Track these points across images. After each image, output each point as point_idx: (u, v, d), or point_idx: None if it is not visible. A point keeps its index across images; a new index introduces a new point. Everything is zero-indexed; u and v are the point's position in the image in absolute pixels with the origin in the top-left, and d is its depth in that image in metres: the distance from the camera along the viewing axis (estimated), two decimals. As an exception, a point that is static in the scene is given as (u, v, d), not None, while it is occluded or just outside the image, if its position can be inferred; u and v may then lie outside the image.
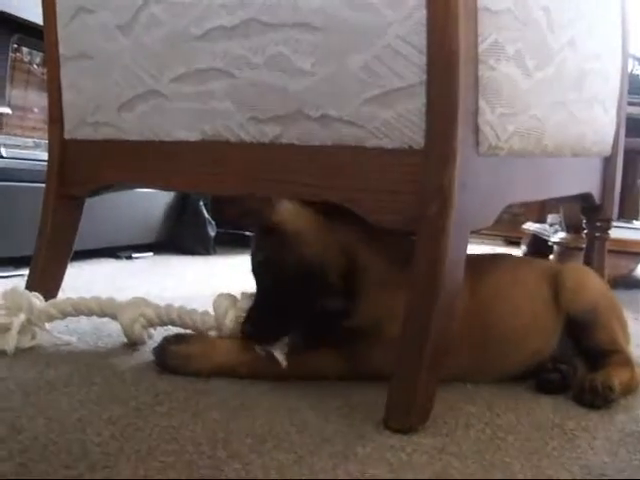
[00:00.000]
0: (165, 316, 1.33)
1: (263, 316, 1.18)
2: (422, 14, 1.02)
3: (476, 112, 1.06)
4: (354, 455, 0.90)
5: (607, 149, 1.71)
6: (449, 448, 0.96)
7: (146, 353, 1.24)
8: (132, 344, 1.37)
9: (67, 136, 1.53)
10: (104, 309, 1.37)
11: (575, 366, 1.28)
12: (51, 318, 1.35)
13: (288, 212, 1.18)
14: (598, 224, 1.80)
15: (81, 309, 1.37)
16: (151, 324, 1.35)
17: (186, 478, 0.80)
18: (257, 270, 1.22)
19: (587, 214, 1.82)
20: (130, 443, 0.88)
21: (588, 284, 1.35)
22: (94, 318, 1.43)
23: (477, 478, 0.87)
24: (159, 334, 1.31)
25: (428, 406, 1.05)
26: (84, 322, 1.48)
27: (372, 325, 1.18)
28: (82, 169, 1.52)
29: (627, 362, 1.30)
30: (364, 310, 1.19)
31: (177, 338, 1.22)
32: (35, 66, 2.34)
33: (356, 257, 1.18)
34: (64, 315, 1.37)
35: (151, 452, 0.86)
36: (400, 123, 1.07)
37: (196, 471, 0.82)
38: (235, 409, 1.03)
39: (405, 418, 1.01)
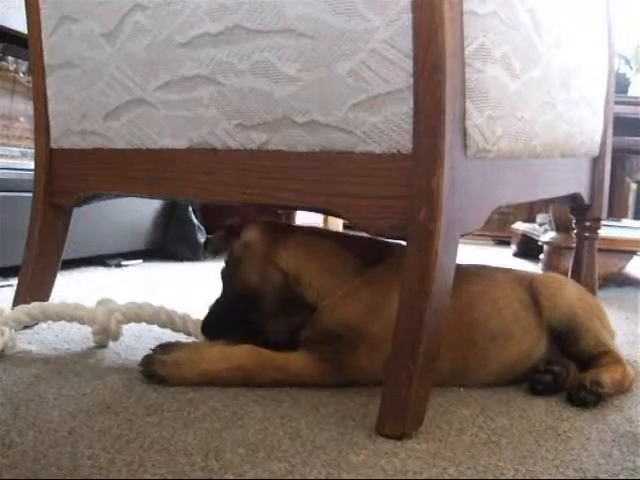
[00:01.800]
0: (138, 313, 1.40)
1: (217, 318, 1.31)
2: (408, 18, 1.02)
3: (463, 115, 1.06)
4: (347, 463, 0.90)
5: (595, 149, 1.72)
6: (443, 453, 0.95)
7: (136, 364, 1.23)
8: (100, 344, 1.40)
9: (54, 145, 1.52)
10: (72, 314, 1.39)
11: (568, 367, 1.28)
12: (20, 323, 1.39)
13: (244, 239, 1.30)
14: (587, 224, 1.80)
15: (49, 314, 1.40)
16: (126, 319, 1.39)
17: (178, 490, 0.79)
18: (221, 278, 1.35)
19: (576, 214, 1.82)
20: (121, 455, 0.87)
21: (562, 291, 1.35)
22: (83, 328, 1.43)
23: (471, 483, 0.87)
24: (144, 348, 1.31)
25: (421, 411, 1.04)
26: (73, 331, 1.47)
27: (343, 330, 1.21)
28: (69, 178, 1.51)
29: (617, 361, 1.30)
30: (321, 320, 1.23)
31: (164, 347, 1.23)
32: (21, 74, 2.33)
33: (300, 277, 1.25)
34: (32, 320, 1.40)
35: (143, 464, 0.85)
36: (388, 128, 1.06)
37: (188, 483, 0.81)
38: (227, 419, 1.03)
39: (398, 424, 1.00)
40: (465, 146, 1.07)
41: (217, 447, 0.92)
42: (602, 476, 0.91)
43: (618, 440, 1.05)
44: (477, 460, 0.94)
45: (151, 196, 1.52)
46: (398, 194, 1.06)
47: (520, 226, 3.68)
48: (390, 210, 1.07)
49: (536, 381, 1.26)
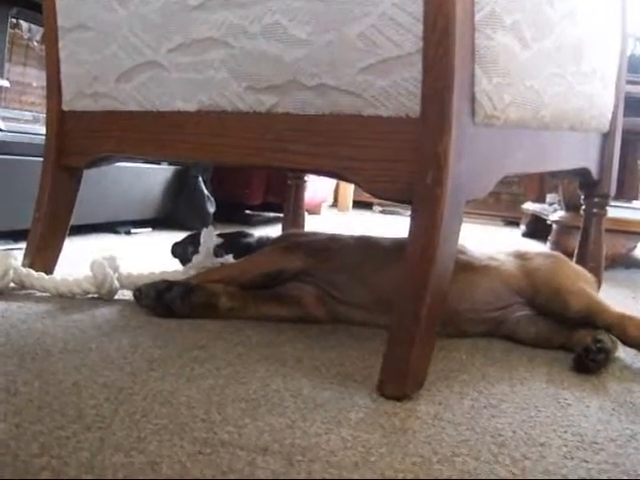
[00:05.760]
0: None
1: None
2: (419, -18, 1.02)
3: (472, 81, 1.06)
4: (347, 420, 0.91)
5: (606, 125, 1.71)
6: (443, 415, 0.96)
7: (143, 323, 1.24)
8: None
9: (65, 107, 1.53)
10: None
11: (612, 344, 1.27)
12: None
13: None
14: (596, 200, 1.80)
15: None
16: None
17: (179, 439, 0.80)
18: None
19: (585, 190, 1.82)
20: (124, 406, 0.89)
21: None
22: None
23: (469, 443, 0.88)
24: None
25: (423, 374, 1.05)
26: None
27: None
28: (80, 140, 1.52)
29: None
30: None
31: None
32: (35, 43, 2.34)
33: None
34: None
35: (145, 415, 0.86)
36: (397, 91, 1.07)
37: (189, 433, 0.82)
38: (230, 376, 1.04)
39: (399, 385, 1.01)
40: (473, 112, 1.07)
41: (219, 401, 0.93)
42: (600, 441, 0.92)
43: (618, 409, 1.05)
44: (476, 422, 0.95)
45: (161, 158, 1.53)
46: (405, 158, 1.06)
47: (530, 206, 3.67)
48: (397, 173, 1.07)
49: (590, 360, 1.22)
